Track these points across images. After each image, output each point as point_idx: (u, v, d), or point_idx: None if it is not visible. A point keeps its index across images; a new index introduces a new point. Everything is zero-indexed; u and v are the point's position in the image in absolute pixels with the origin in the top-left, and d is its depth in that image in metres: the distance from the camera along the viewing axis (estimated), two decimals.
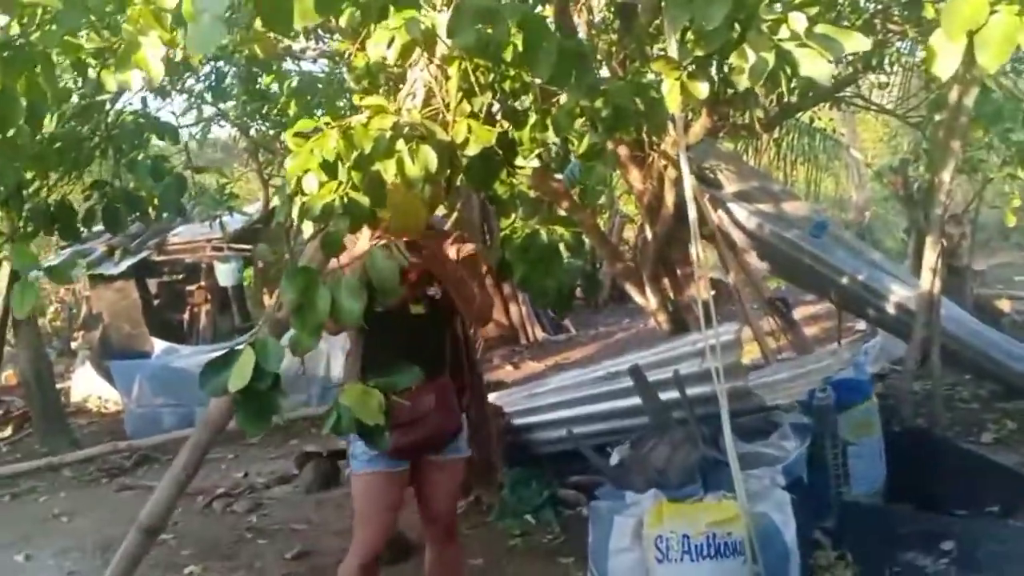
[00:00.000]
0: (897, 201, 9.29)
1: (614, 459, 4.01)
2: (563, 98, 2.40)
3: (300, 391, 9.27)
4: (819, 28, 1.83)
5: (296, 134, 2.24)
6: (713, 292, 6.03)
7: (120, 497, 6.96)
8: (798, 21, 1.81)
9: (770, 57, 1.79)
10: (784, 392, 4.02)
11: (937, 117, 5.02)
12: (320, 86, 4.56)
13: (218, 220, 9.00)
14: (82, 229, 3.44)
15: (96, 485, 7.53)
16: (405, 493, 3.37)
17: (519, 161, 2.91)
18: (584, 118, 2.32)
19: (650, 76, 3.16)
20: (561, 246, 2.91)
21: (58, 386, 11.44)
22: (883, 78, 5.45)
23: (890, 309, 5.63)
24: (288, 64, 5.23)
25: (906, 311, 5.59)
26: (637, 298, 5.99)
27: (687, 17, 1.63)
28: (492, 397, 5.68)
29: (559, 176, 5.26)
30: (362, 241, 3.05)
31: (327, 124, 2.17)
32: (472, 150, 2.58)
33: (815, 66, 1.82)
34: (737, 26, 1.81)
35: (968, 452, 4.83)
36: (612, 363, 4.81)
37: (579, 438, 4.74)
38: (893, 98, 6.81)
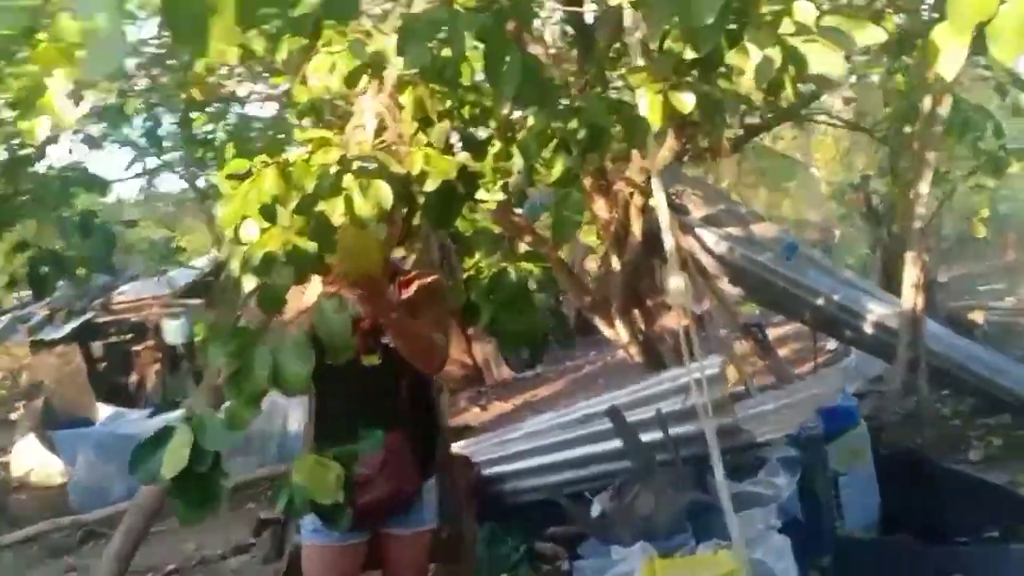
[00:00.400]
0: (860, 218, 9.20)
1: (595, 509, 3.75)
2: (529, 121, 2.17)
3: (255, 450, 8.87)
4: (827, 20, 1.61)
5: (229, 176, 1.98)
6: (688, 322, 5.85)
7: None
8: (804, 11, 1.59)
9: (775, 54, 1.57)
10: (773, 425, 3.79)
11: (907, 129, 4.89)
12: (260, 127, 4.27)
13: (165, 275, 8.70)
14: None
15: (40, 566, 7.07)
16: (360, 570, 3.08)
17: (482, 194, 2.67)
18: (555, 141, 2.08)
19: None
20: (531, 284, 2.66)
21: None
22: (848, 92, 5.31)
23: (867, 328, 5.46)
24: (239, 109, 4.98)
25: (884, 329, 5.41)
26: (607, 331, 5.76)
27: (672, 16, 1.41)
28: (459, 446, 5.40)
29: (519, 210, 5.04)
30: (311, 291, 2.78)
31: (264, 163, 1.90)
32: (430, 185, 2.35)
33: (826, 61, 1.59)
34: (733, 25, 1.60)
35: (961, 474, 4.63)
36: (587, 404, 4.55)
37: (555, 487, 4.48)
38: (854, 113, 6.70)
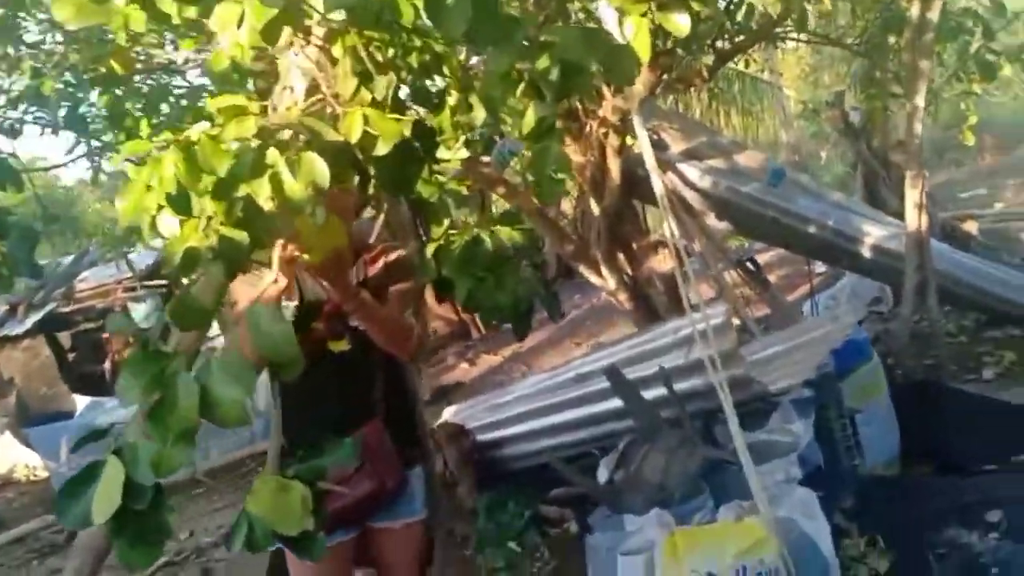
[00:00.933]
0: (839, 134, 8.89)
1: (602, 474, 3.49)
2: (489, 65, 1.82)
3: (225, 432, 8.59)
4: None
5: (128, 160, 1.64)
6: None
7: None
8: None
9: None
10: (784, 371, 3.51)
11: (891, 39, 4.56)
12: (177, 100, 3.81)
13: (125, 259, 8.32)
14: None
15: (27, 569, 6.81)
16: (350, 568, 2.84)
17: (443, 153, 2.34)
18: (522, 85, 1.75)
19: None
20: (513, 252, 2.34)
21: None
22: (824, 5, 4.96)
23: (865, 252, 5.18)
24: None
25: (882, 251, 5.14)
26: (592, 278, 5.45)
27: None
28: (450, 412, 5.12)
29: (486, 159, 4.71)
30: (264, 280, 2.46)
31: (165, 143, 1.56)
32: (381, 148, 2.02)
33: None
34: None
35: (982, 398, 4.38)
36: (581, 362, 4.27)
37: (555, 451, 4.21)
38: (827, 28, 6.34)
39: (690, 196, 5.05)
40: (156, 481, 1.59)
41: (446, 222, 2.38)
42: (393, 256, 2.70)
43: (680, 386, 3.32)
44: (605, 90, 4.29)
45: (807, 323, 4.46)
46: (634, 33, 1.57)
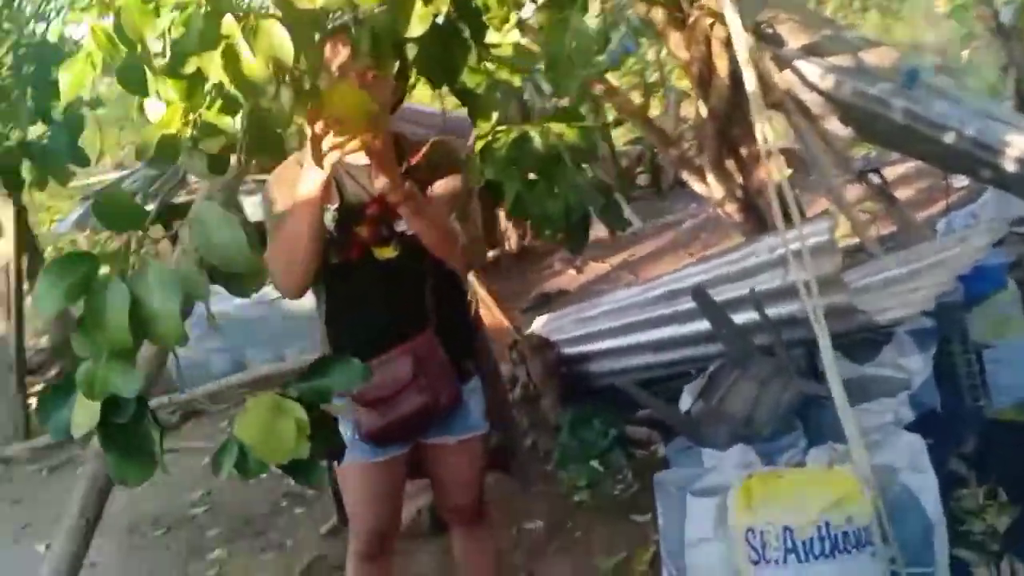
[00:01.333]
0: (989, 34, 8.06)
1: (685, 402, 3.18)
2: None
3: (303, 335, 8.52)
4: None
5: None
6: (789, 171, 5.06)
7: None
8: None
9: None
10: (900, 299, 3.09)
11: None
12: None
13: None
14: None
15: None
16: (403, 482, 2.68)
17: (491, 37, 2.02)
18: None
19: None
20: (566, 153, 2.01)
21: None
22: None
23: (1010, 165, 4.57)
24: None
25: None
26: (698, 187, 5.06)
27: None
28: (538, 323, 4.88)
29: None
30: (304, 173, 2.22)
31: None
32: (417, 28, 1.74)
33: None
34: None
35: None
36: (672, 277, 3.92)
37: (643, 369, 3.92)
38: None
39: (808, 97, 4.53)
40: (136, 393, 1.39)
41: (494, 116, 2.06)
42: (443, 144, 2.42)
43: (778, 311, 2.96)
44: None
45: (933, 244, 3.95)
46: None
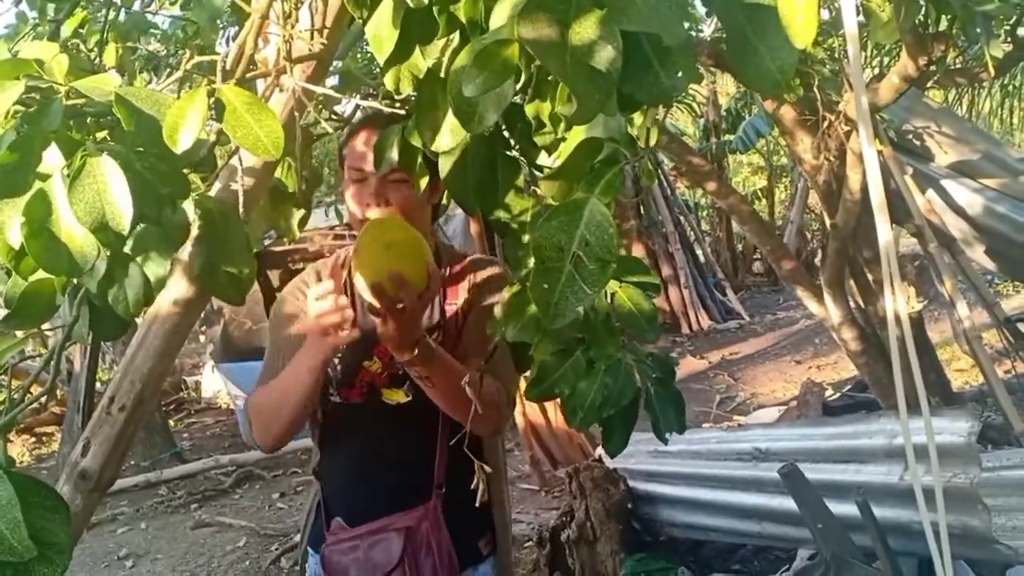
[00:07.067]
0: None
1: None
2: None
3: None
4: None
5: None
6: (920, 303, 4.35)
7: (195, 536, 6.03)
8: None
9: None
10: None
11: None
12: None
13: (333, 207, 8.04)
14: None
15: (182, 512, 6.68)
16: None
17: (543, 158, 1.52)
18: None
19: None
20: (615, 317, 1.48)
21: (189, 379, 10.98)
22: None
23: None
24: None
25: None
26: (814, 308, 4.42)
27: None
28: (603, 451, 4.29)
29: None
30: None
31: None
32: (448, 141, 1.31)
33: None
34: None
35: None
36: (764, 433, 3.30)
37: (712, 532, 3.31)
38: None
39: (952, 223, 3.89)
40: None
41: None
42: (486, 273, 1.94)
43: (887, 513, 2.33)
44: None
45: None
46: None
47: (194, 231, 1.11)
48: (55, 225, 0.80)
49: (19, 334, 1.20)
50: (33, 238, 0.79)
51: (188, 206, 1.08)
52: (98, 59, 2.23)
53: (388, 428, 1.94)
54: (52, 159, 0.81)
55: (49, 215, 0.80)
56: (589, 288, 0.96)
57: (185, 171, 0.95)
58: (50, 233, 0.80)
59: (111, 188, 0.78)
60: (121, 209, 0.78)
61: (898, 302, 1.77)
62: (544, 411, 5.97)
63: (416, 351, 1.68)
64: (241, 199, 1.27)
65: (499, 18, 1.02)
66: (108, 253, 0.85)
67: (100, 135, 1.07)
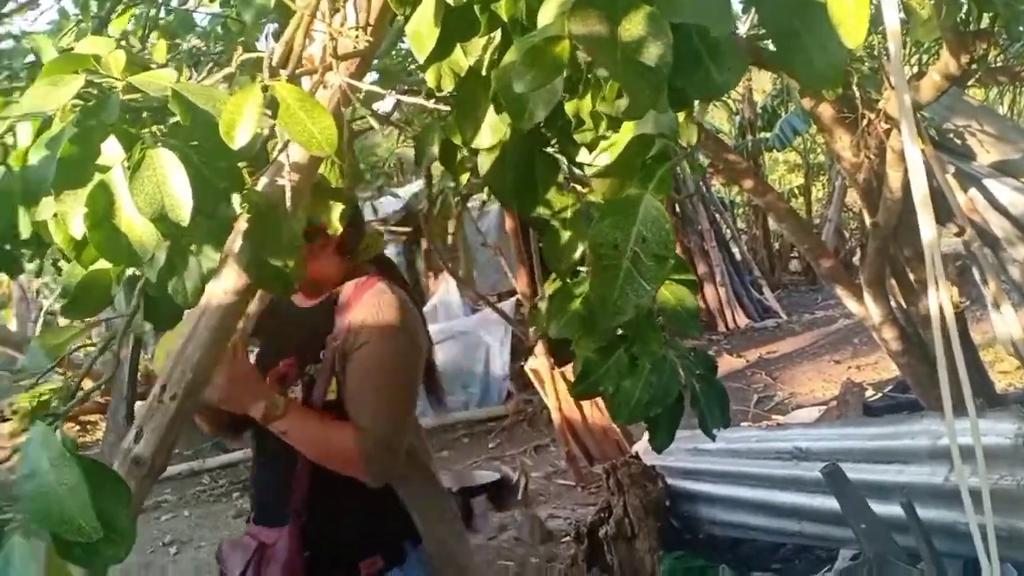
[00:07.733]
0: None
1: None
2: None
3: (457, 391, 8.22)
4: None
5: None
6: (964, 303, 4.30)
7: (237, 524, 6.12)
8: None
9: None
10: None
11: None
12: None
13: (369, 203, 8.07)
14: None
15: (224, 501, 6.78)
16: None
17: (583, 156, 1.52)
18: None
19: None
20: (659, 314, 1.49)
21: None
22: None
23: None
24: None
25: None
26: (853, 307, 4.38)
27: None
28: (643, 444, 4.29)
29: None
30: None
31: None
32: (487, 138, 1.35)
33: None
34: None
35: None
36: (803, 432, 3.28)
37: (751, 531, 3.30)
38: None
39: (995, 222, 3.84)
40: None
41: (577, 252, 1.55)
42: (360, 316, 1.94)
43: (932, 514, 2.31)
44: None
45: None
46: None
47: (242, 224, 1.14)
48: (116, 216, 0.83)
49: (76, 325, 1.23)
50: (95, 228, 0.82)
51: (234, 200, 1.11)
52: (149, 55, 2.27)
53: (267, 450, 2.03)
54: (112, 152, 0.84)
55: (110, 206, 0.83)
56: (648, 284, 0.97)
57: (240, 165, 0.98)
58: (111, 224, 0.83)
59: (171, 180, 0.82)
60: (181, 200, 0.81)
61: (943, 301, 1.76)
62: (580, 407, 5.98)
63: (263, 410, 1.81)
64: (288, 194, 1.29)
65: (547, 15, 1.04)
66: (167, 244, 0.87)
67: (154, 130, 1.10)
